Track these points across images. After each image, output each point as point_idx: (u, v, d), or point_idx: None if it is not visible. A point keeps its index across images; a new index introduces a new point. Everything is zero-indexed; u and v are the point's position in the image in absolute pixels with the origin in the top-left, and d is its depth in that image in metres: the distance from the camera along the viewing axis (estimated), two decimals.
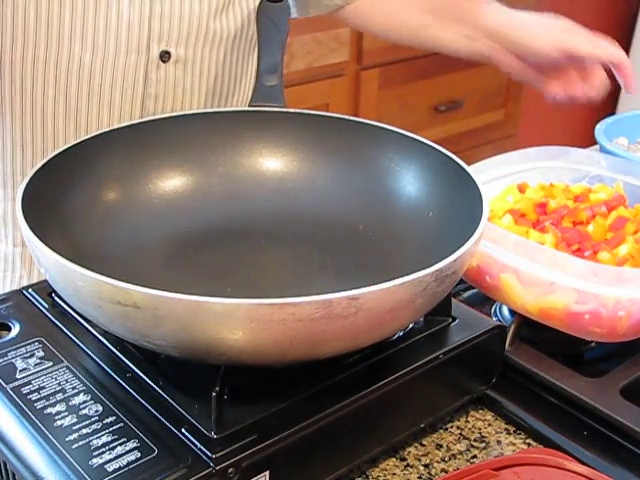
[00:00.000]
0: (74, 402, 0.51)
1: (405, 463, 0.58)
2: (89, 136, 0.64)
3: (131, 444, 0.47)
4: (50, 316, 0.59)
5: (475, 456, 0.59)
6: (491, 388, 0.63)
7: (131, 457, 0.47)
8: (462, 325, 0.60)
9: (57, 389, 0.52)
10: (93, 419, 0.49)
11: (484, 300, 0.71)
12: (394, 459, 0.58)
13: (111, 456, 0.46)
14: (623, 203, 0.73)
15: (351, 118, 0.70)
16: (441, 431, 0.61)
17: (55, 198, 0.60)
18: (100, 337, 0.57)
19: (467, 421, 0.62)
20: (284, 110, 0.71)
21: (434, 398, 0.60)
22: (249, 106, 0.72)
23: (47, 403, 0.50)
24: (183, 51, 0.77)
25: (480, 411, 0.63)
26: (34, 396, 0.51)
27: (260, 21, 0.74)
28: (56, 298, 0.60)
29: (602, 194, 0.74)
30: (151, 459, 0.47)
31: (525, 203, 0.72)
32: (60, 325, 0.58)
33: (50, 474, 0.45)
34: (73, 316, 0.59)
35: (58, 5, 0.70)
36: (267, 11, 0.74)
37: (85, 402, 0.51)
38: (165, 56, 0.76)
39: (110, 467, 0.46)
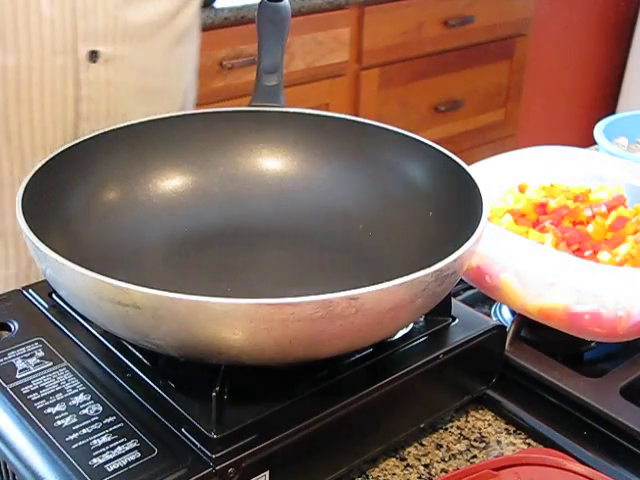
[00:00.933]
0: (74, 402, 0.51)
1: (405, 463, 0.58)
2: (89, 136, 0.64)
3: (131, 444, 0.47)
4: (50, 316, 0.59)
5: (475, 456, 0.59)
6: (491, 388, 0.63)
7: (131, 457, 0.47)
8: (462, 325, 0.60)
9: (57, 389, 0.52)
10: (93, 419, 0.49)
11: (484, 300, 0.71)
12: (394, 459, 0.58)
13: (111, 456, 0.47)
14: (623, 203, 0.73)
15: (351, 118, 0.70)
16: (441, 431, 0.61)
17: (55, 198, 0.60)
18: (100, 337, 0.57)
19: (467, 421, 0.62)
20: (284, 110, 0.71)
21: (434, 398, 0.60)
22: (249, 106, 0.72)
23: (47, 403, 0.50)
24: (112, 49, 0.74)
25: (480, 411, 0.63)
26: (34, 396, 0.51)
27: (260, 21, 0.74)
28: (56, 298, 0.60)
29: (602, 194, 0.74)
30: (151, 459, 0.47)
31: (525, 203, 0.72)
32: (60, 325, 0.58)
33: (50, 474, 0.45)
34: (73, 316, 0.59)
35: None
36: (267, 11, 0.74)
37: (85, 402, 0.51)
38: (94, 56, 0.73)
39: (110, 467, 0.46)
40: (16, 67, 0.70)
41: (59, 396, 0.51)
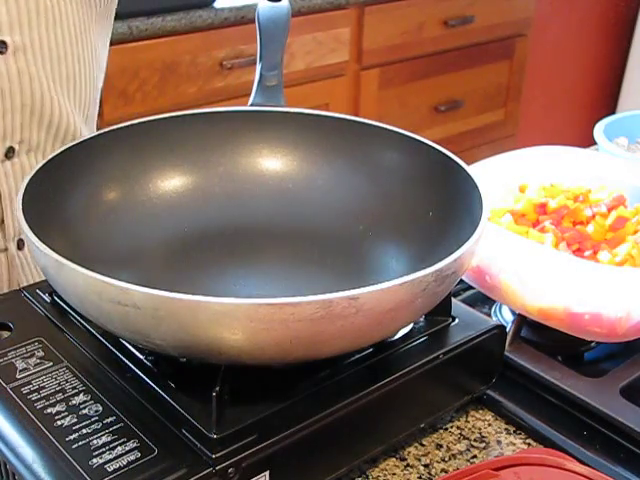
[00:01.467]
0: (74, 402, 0.51)
1: (405, 463, 0.58)
2: (89, 136, 0.64)
3: (131, 444, 0.47)
4: (50, 316, 0.59)
5: (475, 456, 0.59)
6: (491, 388, 0.63)
7: (131, 457, 0.47)
8: (462, 325, 0.60)
9: (57, 389, 0.52)
10: (93, 419, 0.49)
11: (484, 300, 0.71)
12: (394, 459, 0.58)
13: (111, 456, 0.46)
14: (623, 203, 0.73)
15: (351, 118, 0.70)
16: (441, 431, 0.61)
17: (55, 198, 0.60)
18: (100, 337, 0.57)
19: (467, 421, 0.62)
20: (284, 110, 0.71)
21: (434, 398, 0.60)
22: (249, 106, 0.72)
23: (47, 403, 0.50)
24: (19, 38, 0.69)
25: (480, 411, 0.63)
26: (34, 396, 0.51)
27: (260, 21, 0.74)
28: (56, 298, 0.60)
29: (602, 194, 0.74)
30: (151, 459, 0.46)
31: (525, 203, 0.72)
32: (60, 325, 0.58)
33: (50, 474, 0.45)
34: (73, 316, 0.59)
35: None
36: (267, 11, 0.74)
37: (85, 402, 0.51)
38: (1, 46, 0.68)
39: (110, 467, 0.46)
40: None
41: (59, 396, 0.51)
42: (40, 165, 0.58)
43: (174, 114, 0.70)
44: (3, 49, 0.68)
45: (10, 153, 0.73)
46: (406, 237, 0.64)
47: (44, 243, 0.49)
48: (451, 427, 0.61)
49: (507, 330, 0.64)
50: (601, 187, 0.76)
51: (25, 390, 0.51)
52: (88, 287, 0.46)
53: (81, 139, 0.64)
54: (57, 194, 0.60)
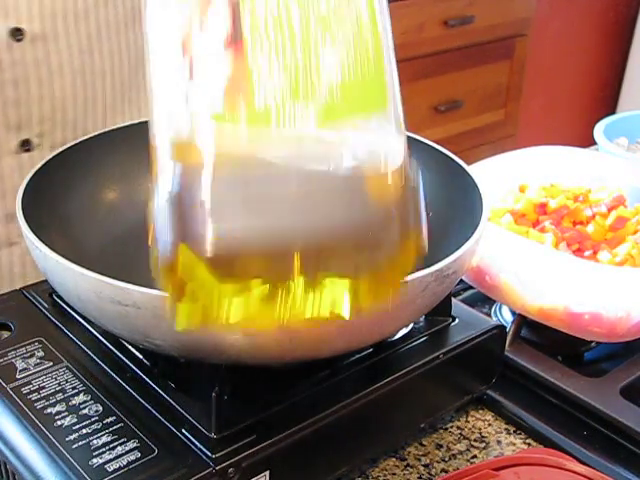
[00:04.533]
0: (74, 402, 0.51)
1: (405, 463, 0.58)
2: (89, 136, 0.64)
3: (131, 444, 0.47)
4: (50, 316, 0.59)
5: (475, 456, 0.59)
6: (491, 388, 0.63)
7: (131, 457, 0.47)
8: (462, 325, 0.60)
9: (57, 389, 0.52)
10: (93, 419, 0.49)
11: (484, 300, 0.71)
12: (394, 459, 0.58)
13: (111, 456, 0.46)
14: (623, 203, 0.73)
15: None
16: (441, 431, 0.61)
17: (55, 198, 0.60)
18: (100, 337, 0.57)
19: (467, 421, 0.62)
20: None
21: (434, 398, 0.60)
22: None
23: (47, 403, 0.50)
24: (39, 26, 0.67)
25: (480, 411, 0.63)
26: (34, 396, 0.51)
27: None
28: (56, 298, 0.60)
29: (602, 194, 0.74)
30: (151, 459, 0.46)
31: (525, 203, 0.72)
32: (60, 325, 0.58)
33: (50, 474, 0.45)
34: (73, 316, 0.59)
35: None
36: None
37: (85, 402, 0.51)
38: (17, 34, 0.66)
39: (110, 467, 0.46)
40: None
41: (59, 396, 0.51)
42: (40, 165, 0.58)
43: None
44: (20, 36, 0.66)
45: (26, 145, 0.71)
46: None
47: (44, 243, 0.49)
48: (451, 427, 0.61)
49: (507, 330, 0.64)
50: (601, 187, 0.76)
51: (25, 390, 0.51)
52: (88, 287, 0.46)
53: (81, 139, 0.64)
54: (57, 194, 0.60)
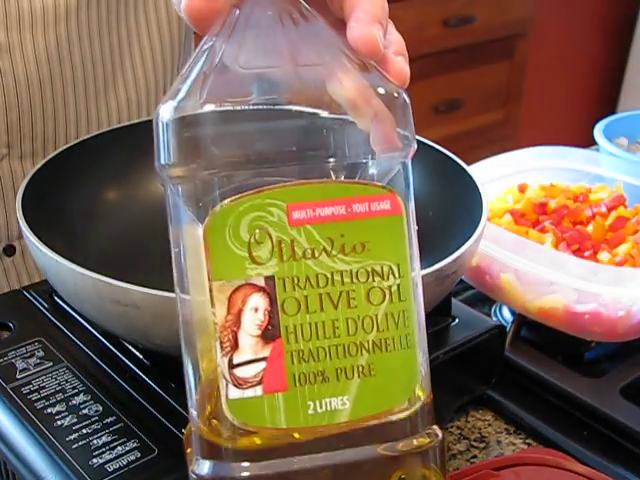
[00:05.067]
0: (74, 402, 0.51)
1: None
2: (89, 136, 0.64)
3: (131, 444, 0.47)
4: (50, 316, 0.59)
5: (475, 456, 0.59)
6: (491, 388, 0.63)
7: (131, 457, 0.47)
8: (462, 325, 0.60)
9: (57, 389, 0.52)
10: (93, 419, 0.49)
11: (484, 300, 0.71)
12: None
13: (111, 456, 0.46)
14: (623, 203, 0.73)
15: None
16: None
17: (55, 198, 0.60)
18: (100, 337, 0.57)
19: (467, 421, 0.62)
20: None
21: (434, 398, 0.59)
22: None
23: (47, 403, 0.50)
24: (3, 35, 0.66)
25: (480, 411, 0.63)
26: (34, 396, 0.51)
27: None
28: (56, 298, 0.60)
29: (602, 194, 0.74)
30: (151, 459, 0.46)
31: (525, 203, 0.72)
32: (60, 325, 0.58)
33: (50, 474, 0.45)
34: (73, 316, 0.59)
35: None
36: None
37: (85, 402, 0.51)
38: None
39: (110, 467, 0.46)
40: None
41: (59, 396, 0.51)
42: (40, 165, 0.58)
43: None
44: None
45: None
46: None
47: (44, 243, 0.49)
48: (451, 427, 0.61)
49: (507, 330, 0.64)
50: (601, 187, 0.76)
51: (25, 390, 0.51)
52: (88, 287, 0.46)
53: (81, 139, 0.64)
54: (57, 194, 0.60)
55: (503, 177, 0.77)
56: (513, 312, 0.69)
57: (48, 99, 0.71)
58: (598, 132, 0.91)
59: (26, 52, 0.68)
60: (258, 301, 0.34)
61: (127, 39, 0.75)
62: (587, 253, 0.66)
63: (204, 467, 0.34)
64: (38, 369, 0.53)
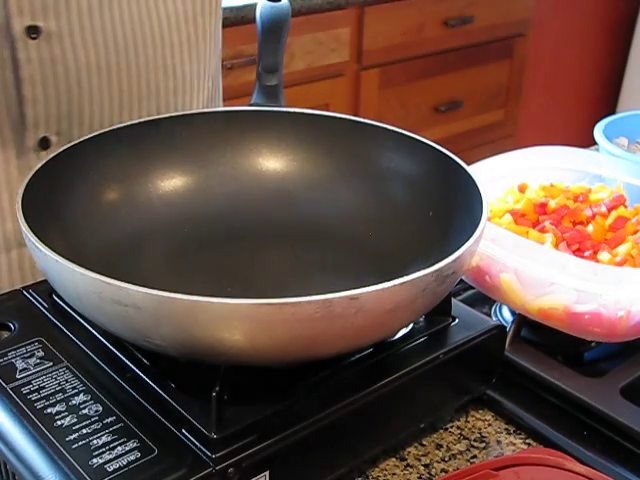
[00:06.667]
0: (74, 402, 0.51)
1: (405, 463, 0.58)
2: (89, 136, 0.64)
3: (131, 444, 0.47)
4: (50, 316, 0.59)
5: (475, 456, 0.59)
6: (491, 388, 0.63)
7: (131, 457, 0.47)
8: (462, 325, 0.60)
9: (57, 389, 0.52)
10: (93, 419, 0.49)
11: (484, 300, 0.71)
12: (394, 459, 0.58)
13: (111, 456, 0.46)
14: (623, 203, 0.73)
15: (351, 118, 0.70)
16: (441, 431, 0.61)
17: (55, 198, 0.60)
18: (100, 337, 0.57)
19: (467, 421, 0.62)
20: (284, 110, 0.71)
21: (434, 398, 0.60)
22: (249, 106, 0.72)
23: (47, 403, 0.50)
24: (54, 23, 0.66)
25: (480, 411, 0.63)
26: (34, 396, 0.51)
27: (260, 21, 0.74)
28: (56, 298, 0.60)
29: (602, 194, 0.74)
30: (151, 459, 0.46)
31: (525, 203, 0.72)
32: (60, 325, 0.58)
33: (50, 474, 0.45)
34: (73, 316, 0.59)
35: None
36: (267, 11, 0.74)
37: (85, 402, 0.51)
38: (33, 31, 0.65)
39: (110, 467, 0.46)
40: None
41: (59, 396, 0.51)
42: (40, 165, 0.58)
43: (174, 114, 0.70)
44: (35, 34, 0.65)
45: (45, 144, 0.71)
46: (406, 237, 0.64)
47: (44, 243, 0.49)
48: (451, 427, 0.61)
49: (507, 330, 0.64)
50: (601, 187, 0.76)
51: (25, 390, 0.51)
52: (88, 287, 0.46)
53: (81, 139, 0.64)
54: (57, 194, 0.60)
55: (503, 177, 0.77)
56: (513, 312, 0.69)
57: (95, 86, 0.71)
58: (598, 132, 0.91)
59: (74, 39, 0.68)
60: None
61: (167, 23, 0.75)
62: (587, 253, 0.66)
63: None
64: (38, 369, 0.53)
